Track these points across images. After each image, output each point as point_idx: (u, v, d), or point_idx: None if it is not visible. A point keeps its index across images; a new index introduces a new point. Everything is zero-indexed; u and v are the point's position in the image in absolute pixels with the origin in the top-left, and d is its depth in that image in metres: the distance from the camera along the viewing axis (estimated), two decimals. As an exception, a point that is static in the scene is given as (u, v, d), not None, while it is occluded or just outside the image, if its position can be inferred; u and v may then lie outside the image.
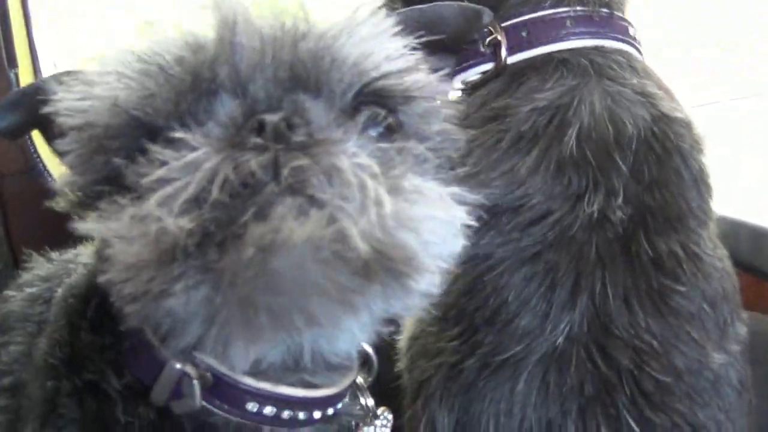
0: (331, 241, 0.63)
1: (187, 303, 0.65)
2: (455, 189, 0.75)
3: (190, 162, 0.65)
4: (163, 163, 0.67)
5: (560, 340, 0.97)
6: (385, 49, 0.77)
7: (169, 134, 0.70)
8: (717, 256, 1.08)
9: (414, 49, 0.80)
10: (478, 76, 1.12)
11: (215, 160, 0.65)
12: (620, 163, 1.02)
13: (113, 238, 0.68)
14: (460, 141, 0.87)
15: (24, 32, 1.97)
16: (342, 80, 0.74)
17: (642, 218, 1.02)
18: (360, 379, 0.93)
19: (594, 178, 1.01)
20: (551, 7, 1.13)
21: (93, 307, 0.85)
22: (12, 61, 1.92)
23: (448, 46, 0.94)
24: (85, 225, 0.71)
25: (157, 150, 0.68)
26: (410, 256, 0.66)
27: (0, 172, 1.96)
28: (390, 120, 0.77)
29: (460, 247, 0.73)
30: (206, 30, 0.75)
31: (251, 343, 0.69)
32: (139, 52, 0.75)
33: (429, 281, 0.70)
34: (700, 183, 1.08)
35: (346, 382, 0.87)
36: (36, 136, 2.02)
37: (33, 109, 0.83)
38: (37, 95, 0.83)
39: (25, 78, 1.95)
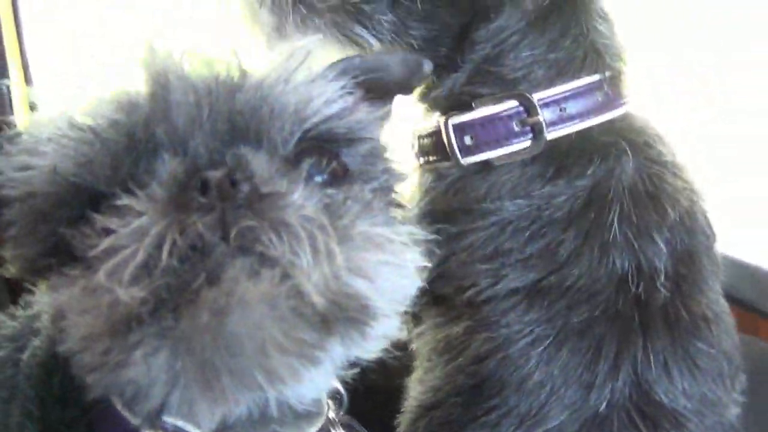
0: (286, 298, 0.63)
1: (148, 370, 0.64)
2: (407, 228, 0.76)
3: (137, 228, 0.64)
4: (109, 232, 0.66)
5: (603, 407, 1.00)
6: (324, 93, 0.77)
7: (112, 201, 0.68)
8: (726, 310, 1.12)
9: (351, 92, 0.81)
10: (509, 154, 1.08)
11: (162, 224, 0.64)
12: (661, 244, 1.04)
13: (66, 310, 0.67)
14: (404, 175, 0.88)
15: (16, 42, 1.92)
16: (283, 129, 0.74)
17: (678, 287, 1.04)
18: (332, 414, 0.92)
19: (637, 262, 1.03)
20: (586, 74, 1.09)
21: (58, 379, 0.83)
22: (3, 72, 1.88)
23: (389, 92, 0.96)
24: (37, 297, 0.69)
25: (101, 219, 0.66)
26: (364, 304, 0.67)
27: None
28: (334, 165, 0.77)
29: (415, 289, 0.73)
30: (139, 87, 0.74)
31: (215, 404, 0.68)
32: (73, 117, 0.74)
33: (386, 325, 0.71)
34: (711, 239, 1.12)
35: (316, 426, 0.87)
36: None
37: None
38: None
39: (17, 89, 1.92)
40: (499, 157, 1.06)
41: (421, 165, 1.16)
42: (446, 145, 1.09)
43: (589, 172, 1.04)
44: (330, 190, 0.73)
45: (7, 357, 0.99)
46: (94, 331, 0.65)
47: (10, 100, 1.95)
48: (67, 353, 0.69)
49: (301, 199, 0.69)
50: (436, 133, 1.11)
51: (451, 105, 1.11)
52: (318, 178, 0.76)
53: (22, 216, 0.77)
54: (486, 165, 1.07)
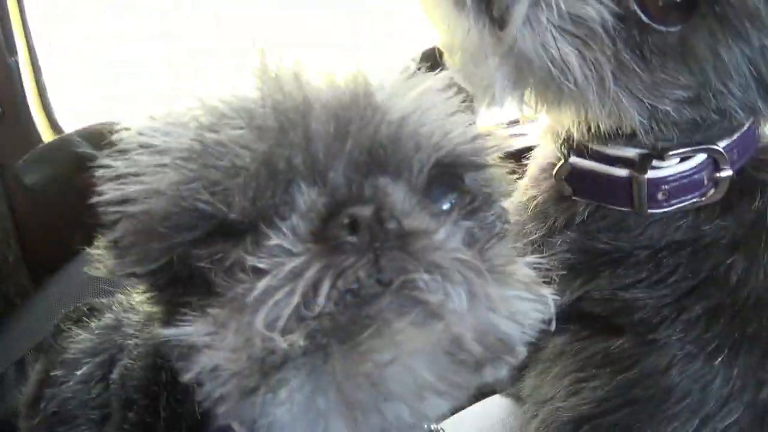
0: (446, 346, 0.62)
1: (291, 407, 0.64)
2: (531, 258, 0.75)
3: (293, 270, 0.63)
4: (260, 272, 0.64)
5: None
6: (457, 123, 0.76)
7: (257, 236, 0.67)
8: None
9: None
10: (693, 203, 1.10)
11: (317, 267, 0.63)
12: None
13: (203, 346, 0.66)
14: (513, 193, 0.87)
15: (19, 20, 1.89)
16: (421, 160, 0.72)
17: None
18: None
19: None
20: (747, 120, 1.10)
21: (164, 404, 0.82)
22: (12, 49, 1.86)
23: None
24: (170, 332, 0.68)
25: (250, 258, 0.65)
26: (512, 346, 0.67)
27: (4, 163, 1.89)
28: (465, 194, 0.76)
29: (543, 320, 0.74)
30: (267, 108, 0.72)
31: None
32: (205, 139, 0.71)
33: (519, 357, 0.71)
34: None
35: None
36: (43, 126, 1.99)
37: (63, 161, 0.79)
38: (63, 149, 0.78)
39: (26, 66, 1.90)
40: (682, 207, 1.09)
41: (574, 198, 1.15)
42: (634, 196, 1.08)
43: (753, 206, 1.09)
44: (467, 223, 0.72)
45: (90, 374, 0.97)
46: (240, 369, 0.64)
47: (20, 76, 1.94)
48: (192, 382, 0.68)
49: (448, 237, 0.68)
50: (614, 181, 1.10)
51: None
52: (446, 206, 0.74)
53: (132, 232, 0.74)
54: (665, 213, 1.09)
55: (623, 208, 1.11)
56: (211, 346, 0.65)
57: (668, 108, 0.99)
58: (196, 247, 0.71)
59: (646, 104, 0.98)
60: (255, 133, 0.70)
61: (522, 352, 0.70)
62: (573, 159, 1.13)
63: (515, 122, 1.69)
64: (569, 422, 1.14)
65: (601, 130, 1.04)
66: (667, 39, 0.94)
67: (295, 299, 0.62)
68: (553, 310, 0.72)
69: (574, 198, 1.14)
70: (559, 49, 0.93)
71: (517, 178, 0.84)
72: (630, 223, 1.09)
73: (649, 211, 1.08)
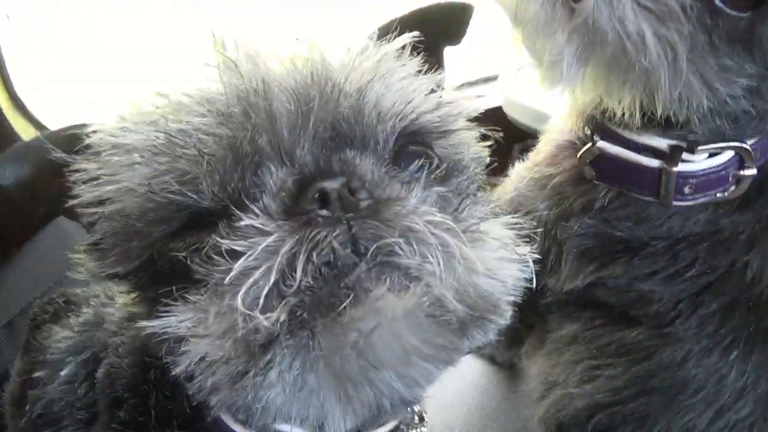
0: (428, 309, 0.62)
1: (282, 388, 0.64)
2: (507, 218, 0.75)
3: (267, 249, 0.63)
4: (235, 254, 0.64)
5: None
6: (419, 91, 0.76)
7: (224, 219, 0.67)
8: None
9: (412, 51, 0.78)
10: (715, 197, 1.10)
11: (291, 242, 0.63)
12: None
13: (189, 335, 0.66)
14: (485, 157, 0.87)
15: None
16: (385, 130, 0.73)
17: None
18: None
19: None
20: None
21: (155, 401, 0.81)
22: None
23: (437, 44, 0.91)
24: (154, 324, 0.68)
25: (225, 241, 0.65)
26: (495, 303, 0.68)
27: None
28: (433, 160, 0.76)
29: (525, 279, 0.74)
30: (228, 95, 0.72)
31: (350, 414, 0.68)
32: (166, 130, 0.71)
33: (506, 318, 0.72)
34: None
35: (414, 409, 0.88)
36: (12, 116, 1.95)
37: (38, 162, 0.79)
38: (40, 149, 0.77)
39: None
40: (704, 201, 1.09)
41: (596, 182, 1.14)
42: (661, 187, 1.08)
43: None
44: (439, 188, 0.72)
45: (76, 374, 0.96)
46: (227, 354, 0.64)
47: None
48: (182, 375, 0.68)
49: (419, 202, 0.68)
50: (642, 170, 1.09)
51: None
52: (418, 175, 0.74)
53: (112, 233, 0.75)
54: (686, 206, 1.10)
55: (647, 198, 1.10)
56: (197, 334, 0.65)
57: (731, 95, 0.98)
58: (174, 240, 0.71)
59: (715, 89, 0.97)
60: (218, 119, 0.70)
61: (507, 311, 0.70)
62: (601, 144, 1.11)
63: (473, 83, 1.67)
64: (584, 409, 1.15)
65: (637, 116, 1.03)
66: (736, 24, 0.93)
67: (273, 276, 0.62)
68: (532, 268, 0.72)
69: (595, 182, 1.13)
70: (636, 25, 0.92)
71: (486, 143, 0.83)
72: (651, 212, 1.10)
73: (674, 203, 1.08)
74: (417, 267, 0.63)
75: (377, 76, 0.73)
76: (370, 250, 0.62)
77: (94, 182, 0.74)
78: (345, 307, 0.61)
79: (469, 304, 0.65)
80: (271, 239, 0.63)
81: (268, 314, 0.61)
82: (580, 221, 1.12)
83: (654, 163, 1.08)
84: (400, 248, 0.63)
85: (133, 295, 0.79)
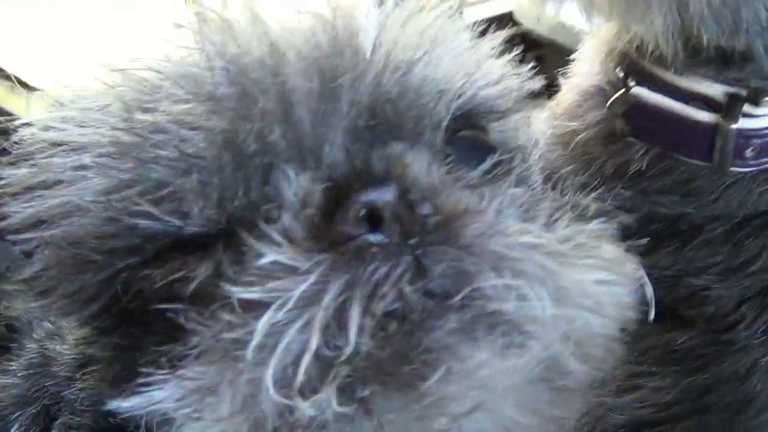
0: (541, 373, 0.44)
1: None
2: (600, 224, 0.57)
3: (302, 297, 0.43)
4: (251, 304, 0.44)
5: None
6: (479, 60, 0.56)
7: (236, 250, 0.46)
8: None
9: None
10: None
11: (337, 286, 0.43)
12: None
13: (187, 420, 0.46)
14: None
15: None
16: (440, 113, 0.53)
17: None
18: None
19: None
20: None
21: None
22: None
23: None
24: (127, 404, 0.47)
25: (232, 287, 0.44)
26: (608, 346, 0.49)
27: None
28: (498, 152, 0.57)
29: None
30: (210, 71, 0.51)
31: None
32: (131, 124, 0.50)
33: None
34: None
35: None
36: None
37: None
38: None
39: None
40: None
41: (630, 139, 0.91)
42: (716, 148, 0.85)
43: None
44: (515, 190, 0.53)
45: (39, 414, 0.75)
46: None
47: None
48: None
49: (502, 214, 0.49)
50: (691, 126, 0.87)
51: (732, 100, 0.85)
52: (483, 170, 0.55)
53: (57, 264, 0.54)
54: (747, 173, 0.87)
55: (697, 161, 0.87)
56: (198, 417, 0.45)
57: None
58: (147, 270, 0.52)
59: None
60: (206, 106, 0.49)
61: (620, 349, 0.52)
62: (637, 89, 0.88)
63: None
64: (625, 426, 0.95)
65: (680, 51, 0.80)
66: None
67: (315, 340, 0.42)
68: (649, 290, 0.54)
69: (630, 139, 0.90)
70: None
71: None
72: (701, 182, 0.87)
73: (732, 169, 0.86)
74: (522, 314, 0.44)
75: (427, 43, 0.53)
76: (458, 293, 0.43)
77: (27, 195, 0.54)
78: (429, 379, 0.41)
79: (590, 357, 0.46)
80: (307, 282, 0.43)
81: (312, 396, 0.41)
82: (611, 191, 0.89)
83: (706, 116, 0.85)
84: (495, 287, 0.44)
85: (94, 340, 0.58)
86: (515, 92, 0.60)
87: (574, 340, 0.45)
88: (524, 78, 0.61)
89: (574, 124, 0.95)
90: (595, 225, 0.55)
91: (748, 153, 0.86)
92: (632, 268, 0.54)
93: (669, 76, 0.86)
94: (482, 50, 0.57)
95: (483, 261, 0.44)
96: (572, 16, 1.00)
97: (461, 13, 0.58)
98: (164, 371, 0.47)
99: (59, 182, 0.52)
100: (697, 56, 0.81)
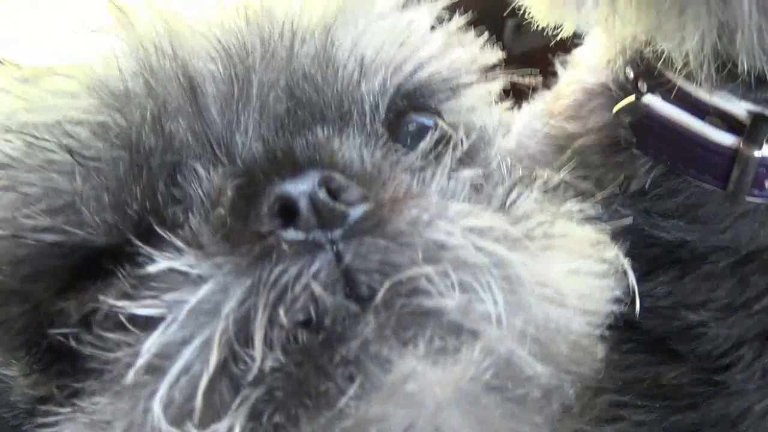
0: (491, 381, 0.36)
1: None
2: (572, 205, 0.49)
3: (200, 308, 0.36)
4: (145, 322, 0.37)
5: None
6: (415, 28, 0.49)
7: (135, 263, 0.40)
8: None
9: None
10: None
11: (239, 292, 0.36)
12: None
13: None
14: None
15: None
16: (373, 90, 0.46)
17: None
18: None
19: None
20: None
21: None
22: None
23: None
24: None
25: (122, 303, 0.37)
26: (587, 347, 0.41)
27: None
28: (446, 132, 0.50)
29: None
30: (122, 62, 0.44)
31: None
32: (27, 128, 0.44)
33: (595, 364, 0.47)
34: None
35: None
36: None
37: None
38: None
39: None
40: None
41: (636, 152, 0.81)
42: (734, 175, 0.75)
43: None
44: (466, 172, 0.45)
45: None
46: None
47: None
48: None
49: (446, 198, 0.42)
50: (707, 147, 0.76)
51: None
52: (432, 155, 0.48)
53: None
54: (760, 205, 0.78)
55: (708, 186, 0.77)
56: None
57: None
58: (64, 300, 0.45)
59: None
60: (100, 99, 0.42)
61: (598, 353, 0.44)
62: (649, 98, 0.78)
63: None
64: None
65: (709, 65, 0.70)
66: None
67: (213, 357, 0.35)
68: (632, 279, 0.46)
69: (635, 152, 0.80)
70: None
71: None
72: (710, 209, 0.78)
73: (747, 198, 0.76)
74: (463, 310, 0.36)
75: (348, 6, 0.46)
76: (380, 292, 0.36)
77: None
78: (349, 397, 0.34)
79: (555, 357, 0.38)
80: (203, 290, 0.36)
81: (213, 425, 0.34)
82: (609, 207, 0.76)
83: (726, 139, 0.75)
84: (431, 281, 0.36)
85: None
86: (465, 66, 0.53)
87: (532, 338, 0.38)
88: (477, 48, 0.54)
89: (573, 126, 0.85)
90: (566, 205, 0.48)
91: None
92: (611, 254, 0.46)
93: (687, 86, 0.76)
94: (418, 17, 0.50)
95: (417, 251, 0.37)
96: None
97: None
98: (60, 410, 0.41)
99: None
100: (726, 70, 0.71)
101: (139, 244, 0.40)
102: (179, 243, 0.39)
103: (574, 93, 0.86)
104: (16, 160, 0.44)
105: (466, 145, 0.47)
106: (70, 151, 0.42)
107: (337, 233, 0.38)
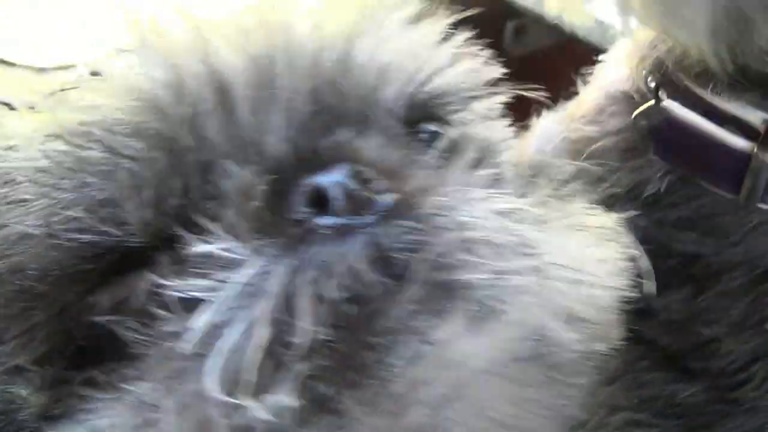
0: (529, 348, 0.38)
1: None
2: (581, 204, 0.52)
3: (245, 288, 0.38)
4: (188, 304, 0.39)
5: None
6: (426, 42, 0.53)
7: (173, 250, 0.41)
8: None
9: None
10: None
11: (282, 272, 0.38)
12: None
13: None
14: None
15: None
16: (390, 97, 0.49)
17: None
18: None
19: None
20: None
21: None
22: None
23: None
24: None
25: (168, 282, 0.39)
26: (610, 323, 0.44)
27: None
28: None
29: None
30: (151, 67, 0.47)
31: None
32: (64, 133, 0.46)
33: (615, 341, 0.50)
34: None
35: None
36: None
37: None
38: None
39: None
40: None
41: (652, 157, 0.80)
42: (747, 180, 0.75)
43: None
44: (481, 172, 0.48)
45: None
46: None
47: None
48: None
49: (467, 185, 0.45)
50: (721, 150, 0.77)
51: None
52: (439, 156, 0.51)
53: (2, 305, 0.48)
54: None
55: (721, 192, 0.76)
56: None
57: None
58: (96, 297, 0.46)
59: None
60: (140, 107, 0.45)
61: (618, 332, 0.47)
62: (668, 102, 0.78)
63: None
64: None
65: (726, 66, 0.70)
66: None
67: (262, 333, 0.36)
68: (646, 263, 0.49)
69: (651, 157, 0.79)
70: None
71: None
72: (724, 220, 0.77)
73: (760, 206, 0.74)
74: (494, 284, 0.38)
75: (366, 20, 0.50)
76: (415, 268, 0.38)
77: None
78: (393, 364, 0.36)
79: (584, 327, 0.41)
80: (249, 271, 0.38)
81: (265, 398, 0.36)
82: (622, 212, 0.82)
83: (741, 143, 0.74)
84: (462, 258, 0.39)
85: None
86: (473, 78, 0.56)
87: (562, 309, 0.40)
88: (484, 62, 0.57)
89: (593, 129, 0.85)
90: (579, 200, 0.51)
91: None
92: (624, 240, 0.49)
93: (706, 95, 0.76)
94: (428, 32, 0.54)
95: (448, 231, 0.40)
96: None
97: None
98: (106, 395, 0.42)
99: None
100: (743, 78, 0.72)
101: (181, 230, 0.42)
102: (218, 230, 0.41)
103: (596, 98, 0.86)
104: (54, 162, 0.46)
105: (476, 153, 0.51)
106: (110, 151, 0.44)
107: (370, 218, 0.40)
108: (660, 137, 0.78)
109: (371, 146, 0.46)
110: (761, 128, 0.72)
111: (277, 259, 0.39)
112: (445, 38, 0.54)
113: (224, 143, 0.45)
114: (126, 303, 0.45)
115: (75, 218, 0.45)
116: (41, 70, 0.97)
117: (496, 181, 0.48)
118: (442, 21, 0.55)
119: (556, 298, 0.40)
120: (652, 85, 0.78)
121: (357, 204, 0.41)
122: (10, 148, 0.50)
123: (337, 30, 0.49)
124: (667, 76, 0.77)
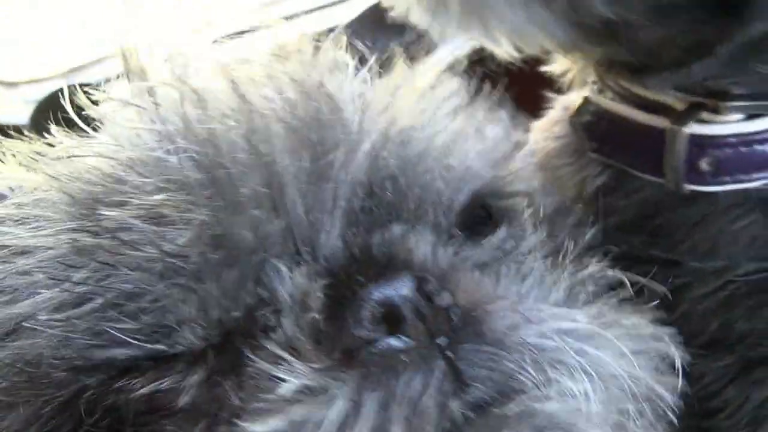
0: None
1: None
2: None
3: (334, 427, 0.36)
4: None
5: None
6: (482, 137, 0.53)
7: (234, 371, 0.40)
8: None
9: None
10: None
11: (372, 409, 0.37)
12: None
13: None
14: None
15: None
16: (451, 196, 0.49)
17: None
18: None
19: None
20: None
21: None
22: None
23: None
24: None
25: (244, 423, 0.38)
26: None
27: None
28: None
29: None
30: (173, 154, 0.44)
31: None
32: (89, 214, 0.42)
33: None
34: None
35: None
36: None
37: None
38: None
39: None
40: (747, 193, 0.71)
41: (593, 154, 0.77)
42: (667, 159, 0.71)
43: None
44: (535, 264, 0.49)
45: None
46: None
47: None
48: None
49: (524, 297, 0.45)
50: (643, 133, 0.74)
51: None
52: (496, 247, 0.51)
53: (8, 389, 0.44)
54: (712, 200, 0.72)
55: (651, 177, 0.73)
56: None
57: None
58: (121, 380, 0.43)
59: None
60: (182, 195, 0.42)
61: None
62: (594, 97, 0.76)
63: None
64: None
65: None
66: None
67: None
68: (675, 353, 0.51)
69: (591, 155, 0.77)
70: None
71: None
72: (665, 216, 0.74)
73: (686, 186, 0.70)
74: (568, 410, 0.39)
75: (427, 109, 0.48)
76: (504, 399, 0.38)
77: None
78: None
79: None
80: (338, 407, 0.37)
81: None
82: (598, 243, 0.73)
83: (658, 121, 0.71)
84: (538, 384, 0.39)
85: None
86: (519, 176, 0.56)
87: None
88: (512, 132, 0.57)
89: (546, 140, 0.83)
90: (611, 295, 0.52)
91: (704, 166, 0.70)
92: (655, 333, 0.51)
93: (630, 86, 0.73)
94: (489, 132, 0.53)
95: (521, 357, 0.40)
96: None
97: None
98: None
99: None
100: (654, 61, 0.70)
101: (246, 351, 0.40)
102: (282, 352, 0.39)
103: (555, 111, 0.85)
104: (86, 253, 0.42)
105: (524, 238, 0.51)
106: (158, 249, 0.41)
107: (443, 340, 0.40)
108: (594, 134, 0.76)
109: (425, 245, 0.45)
110: (678, 107, 0.70)
111: (362, 389, 0.38)
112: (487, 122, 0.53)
113: (278, 241, 0.43)
114: (168, 400, 0.42)
115: (100, 319, 0.42)
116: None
117: (544, 280, 0.48)
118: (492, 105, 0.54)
119: (618, 417, 0.42)
120: (590, 82, 0.77)
121: (430, 323, 0.40)
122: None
123: (394, 120, 0.47)
124: (599, 73, 0.76)
